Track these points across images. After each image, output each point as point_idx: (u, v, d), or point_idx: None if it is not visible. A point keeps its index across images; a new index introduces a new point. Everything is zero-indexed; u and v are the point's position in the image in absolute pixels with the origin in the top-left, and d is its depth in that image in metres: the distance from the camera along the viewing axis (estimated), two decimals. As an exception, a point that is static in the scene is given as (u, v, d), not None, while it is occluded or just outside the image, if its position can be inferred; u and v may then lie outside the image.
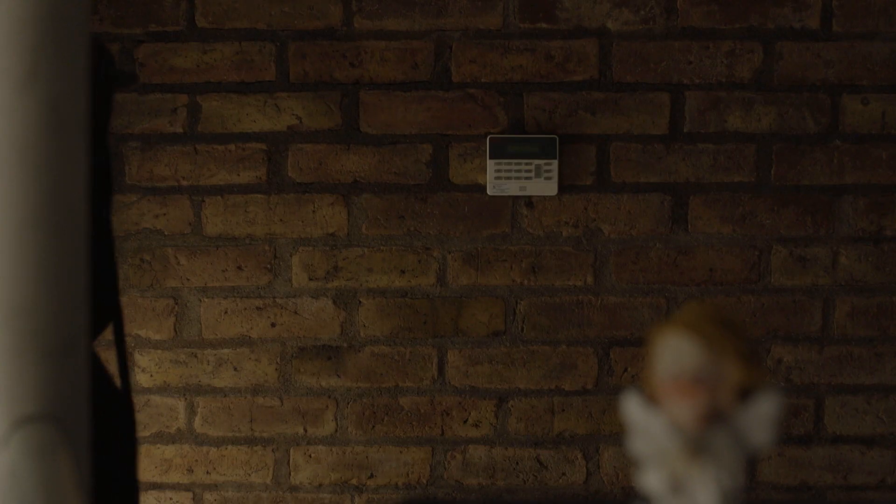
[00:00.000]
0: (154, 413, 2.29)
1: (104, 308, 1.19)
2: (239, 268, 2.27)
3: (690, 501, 0.56)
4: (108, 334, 2.25)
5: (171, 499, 2.31)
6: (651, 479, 0.58)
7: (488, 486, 2.29)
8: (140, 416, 2.27)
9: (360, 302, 2.28)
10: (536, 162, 2.21)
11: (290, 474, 2.30)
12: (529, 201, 2.25)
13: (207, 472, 2.31)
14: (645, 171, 2.25)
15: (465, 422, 2.28)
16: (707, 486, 0.56)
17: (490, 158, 2.21)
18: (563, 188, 2.24)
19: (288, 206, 2.26)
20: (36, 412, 0.61)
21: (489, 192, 2.22)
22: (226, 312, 2.28)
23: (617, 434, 2.28)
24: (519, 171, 2.21)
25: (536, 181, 2.21)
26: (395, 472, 2.30)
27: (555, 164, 2.21)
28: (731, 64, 2.24)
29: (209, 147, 2.25)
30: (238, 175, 2.26)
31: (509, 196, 2.24)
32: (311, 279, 2.27)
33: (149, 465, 2.30)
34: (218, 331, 2.28)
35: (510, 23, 2.23)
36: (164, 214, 2.26)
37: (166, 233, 2.26)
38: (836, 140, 2.26)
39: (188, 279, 2.27)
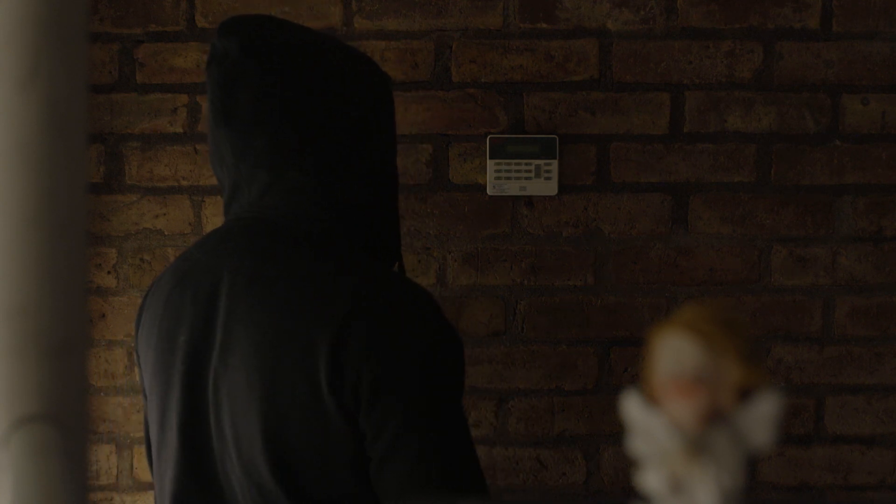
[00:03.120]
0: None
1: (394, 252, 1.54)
2: (239, 268, 2.27)
3: (690, 501, 0.56)
4: (108, 334, 2.25)
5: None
6: (651, 479, 0.58)
7: (488, 486, 2.29)
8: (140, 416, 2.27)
9: (360, 302, 2.27)
10: (536, 162, 2.21)
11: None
12: (529, 201, 2.25)
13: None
14: (645, 171, 2.25)
15: (465, 422, 2.28)
16: (707, 486, 0.56)
17: (490, 158, 2.21)
18: (563, 188, 2.24)
19: (288, 206, 2.26)
20: (36, 412, 0.61)
21: (489, 192, 2.22)
22: (226, 312, 2.27)
23: (617, 434, 2.28)
24: (519, 171, 2.21)
25: (536, 181, 2.21)
26: (395, 472, 2.29)
27: (555, 164, 2.21)
28: (731, 64, 2.24)
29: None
30: (238, 175, 2.25)
31: (509, 196, 2.24)
32: (311, 279, 2.27)
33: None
34: (218, 331, 2.28)
35: (510, 23, 2.23)
36: (164, 214, 2.26)
37: (166, 233, 2.26)
38: (836, 140, 2.26)
39: (188, 279, 2.27)
